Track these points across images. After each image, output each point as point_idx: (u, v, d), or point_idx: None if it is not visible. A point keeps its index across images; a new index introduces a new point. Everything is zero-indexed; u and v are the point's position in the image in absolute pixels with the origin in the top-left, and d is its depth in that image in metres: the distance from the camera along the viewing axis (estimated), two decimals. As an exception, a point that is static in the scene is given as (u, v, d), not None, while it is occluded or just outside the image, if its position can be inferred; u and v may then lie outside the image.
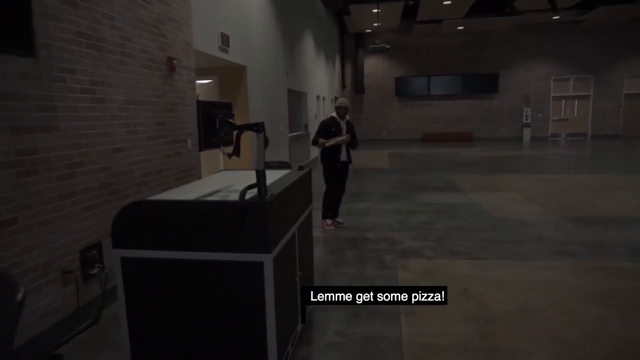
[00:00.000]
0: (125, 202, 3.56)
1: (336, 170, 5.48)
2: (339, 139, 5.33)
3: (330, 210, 5.61)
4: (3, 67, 2.45)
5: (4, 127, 2.46)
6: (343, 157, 5.46)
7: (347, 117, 5.50)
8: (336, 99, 18.42)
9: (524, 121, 19.30)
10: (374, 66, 20.33)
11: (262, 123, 2.19)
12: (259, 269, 2.06)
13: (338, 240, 4.97)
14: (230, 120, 2.40)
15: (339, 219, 5.70)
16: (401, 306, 3.23)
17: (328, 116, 5.63)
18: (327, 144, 5.33)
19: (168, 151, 4.28)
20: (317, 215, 6.25)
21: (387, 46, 17.98)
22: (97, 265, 3.19)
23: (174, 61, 4.35)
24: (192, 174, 4.77)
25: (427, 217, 5.98)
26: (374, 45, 18.25)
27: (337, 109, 5.42)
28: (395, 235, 5.12)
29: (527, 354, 2.60)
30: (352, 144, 5.47)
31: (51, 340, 2.76)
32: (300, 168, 3.15)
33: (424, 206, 6.65)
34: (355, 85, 20.29)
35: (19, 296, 1.01)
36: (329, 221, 5.61)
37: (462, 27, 17.64)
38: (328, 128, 5.39)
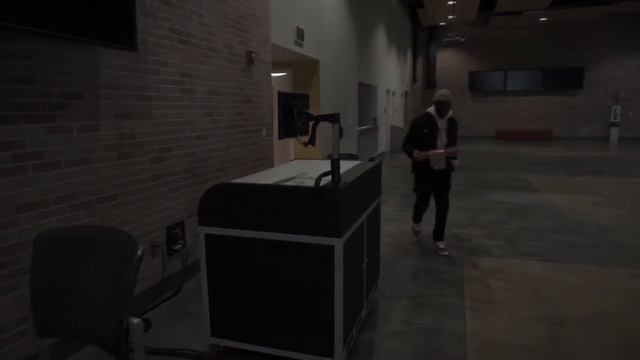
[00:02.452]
0: (206, 187, 3.85)
1: (426, 180, 4.26)
2: (438, 151, 4.03)
3: (417, 218, 4.67)
4: (110, 61, 2.76)
5: (109, 113, 2.78)
6: (438, 164, 4.10)
7: (450, 113, 4.12)
8: (406, 93, 18.24)
9: (612, 120, 17.81)
10: (446, 60, 19.77)
11: (338, 114, 2.30)
12: (329, 252, 2.17)
13: (405, 234, 4.99)
14: (308, 111, 2.53)
15: (441, 244, 4.36)
16: (467, 301, 3.21)
17: (422, 112, 4.30)
18: (420, 157, 4.06)
19: (245, 140, 4.54)
20: (384, 207, 6.29)
21: (462, 39, 17.38)
22: (180, 242, 3.49)
23: (253, 55, 4.58)
24: (265, 162, 5.01)
25: (498, 215, 5.80)
26: (447, 39, 17.73)
27: (438, 104, 4.04)
28: (463, 232, 5.04)
29: (600, 360, 2.49)
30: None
31: (140, 305, 3.08)
32: (371, 159, 3.23)
33: (495, 205, 6.44)
34: (427, 79, 19.86)
35: (139, 252, 1.19)
36: (416, 227, 4.76)
37: (544, 19, 16.61)
38: (419, 129, 4.12)
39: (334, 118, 2.28)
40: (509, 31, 18.59)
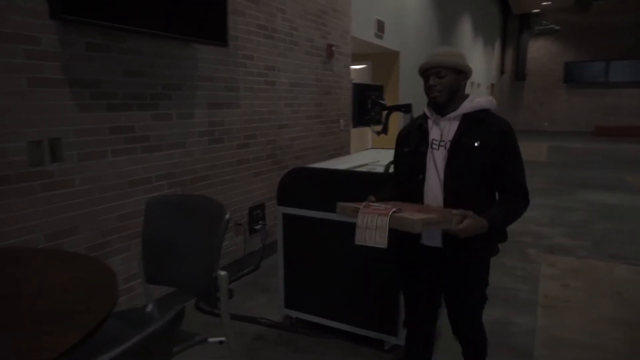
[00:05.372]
0: (285, 172, 4.12)
1: (414, 268, 1.78)
2: (413, 210, 1.49)
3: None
4: (205, 55, 3.09)
5: (203, 103, 3.11)
6: (430, 234, 1.65)
7: (472, 101, 1.64)
8: (492, 85, 17.39)
9: None
10: (539, 50, 18.52)
11: (410, 104, 2.39)
12: (396, 235, 2.28)
13: (479, 229, 4.90)
14: (381, 101, 2.65)
15: None
16: (540, 298, 3.14)
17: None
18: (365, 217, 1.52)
19: (323, 130, 4.75)
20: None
21: (557, 27, 16.17)
22: (260, 222, 3.79)
23: (333, 48, 4.76)
24: (342, 152, 5.19)
25: (586, 215, 5.46)
26: (541, 27, 16.59)
27: (424, 80, 1.67)
28: (544, 230, 4.83)
29: (686, 368, 2.35)
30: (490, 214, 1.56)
31: (224, 277, 3.42)
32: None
33: (584, 204, 6.05)
34: (516, 71, 18.78)
35: (226, 217, 1.42)
36: None
37: (658, 2, 14.92)
38: (398, 149, 1.83)
39: (406, 108, 2.37)
40: (612, 17, 16.94)
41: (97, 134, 2.39)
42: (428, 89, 1.64)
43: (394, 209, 1.44)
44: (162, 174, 2.81)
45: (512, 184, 1.62)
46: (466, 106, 1.63)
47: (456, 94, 1.62)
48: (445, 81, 1.59)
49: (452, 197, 1.57)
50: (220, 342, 1.46)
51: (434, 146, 1.64)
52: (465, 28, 11.95)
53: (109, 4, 2.26)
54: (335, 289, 2.52)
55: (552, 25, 16.12)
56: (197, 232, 1.47)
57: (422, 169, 1.64)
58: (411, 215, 1.40)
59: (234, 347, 1.53)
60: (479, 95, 1.67)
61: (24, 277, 1.22)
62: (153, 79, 2.70)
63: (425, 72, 1.65)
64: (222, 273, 1.42)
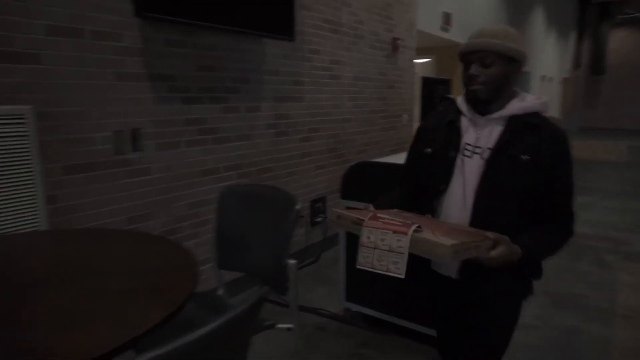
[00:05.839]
0: (347, 167, 4.13)
1: (436, 296, 1.51)
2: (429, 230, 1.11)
3: None
4: (272, 50, 3.16)
5: (269, 96, 3.18)
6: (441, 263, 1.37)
7: (524, 99, 1.31)
8: (566, 80, 16.33)
9: None
10: (621, 41, 17.12)
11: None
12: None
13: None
14: (448, 95, 2.58)
15: None
16: (618, 308, 2.94)
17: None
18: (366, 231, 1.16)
19: (385, 125, 4.70)
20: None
21: (643, 16, 14.88)
22: (321, 215, 3.83)
23: (398, 41, 4.69)
24: (404, 147, 5.11)
25: (672, 221, 5.00)
26: (623, 16, 15.31)
27: (463, 65, 1.32)
28: (622, 236, 4.49)
29: None
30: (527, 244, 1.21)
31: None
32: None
33: (669, 209, 5.55)
34: (593, 64, 17.49)
35: (297, 207, 1.45)
36: None
37: None
38: (418, 145, 1.45)
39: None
40: None
41: (172, 126, 2.52)
42: (467, 79, 1.27)
43: (414, 226, 1.07)
44: (230, 164, 2.92)
45: (558, 210, 1.28)
46: (516, 106, 1.27)
47: (504, 89, 1.27)
48: (491, 72, 1.24)
49: (481, 220, 1.23)
50: (288, 329, 1.51)
51: (466, 153, 1.29)
52: (537, 18, 11.29)
53: (187, 1, 2.37)
54: (395, 285, 2.49)
55: (636, 14, 14.83)
56: (268, 221, 1.52)
57: (447, 179, 1.30)
58: (437, 236, 1.03)
59: (299, 335, 1.57)
60: (530, 94, 1.33)
61: (110, 256, 1.32)
62: (224, 73, 2.80)
63: (466, 56, 1.28)
64: (292, 262, 1.46)
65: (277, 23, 2.98)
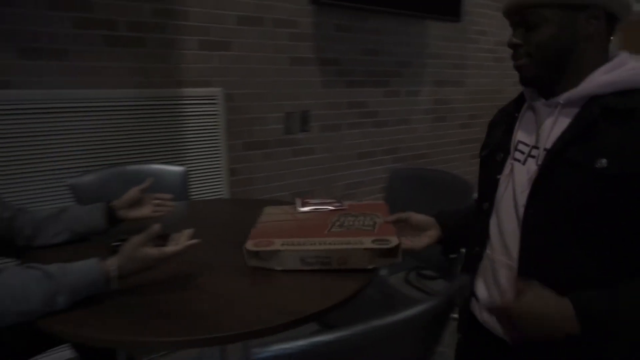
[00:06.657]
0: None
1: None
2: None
3: None
4: (435, 32, 3.05)
5: (429, 80, 3.09)
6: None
7: (621, 67, 0.83)
8: None
9: None
10: None
11: None
12: None
13: None
14: None
15: None
16: None
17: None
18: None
19: (553, 112, 4.23)
20: None
21: None
22: (474, 206, 3.63)
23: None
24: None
25: None
26: None
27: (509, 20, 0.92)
28: None
29: None
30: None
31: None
32: None
33: None
34: None
35: (474, 195, 1.39)
36: None
37: None
38: (485, 148, 1.06)
39: None
40: None
41: (336, 108, 2.62)
42: (512, 52, 0.90)
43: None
44: (387, 148, 2.93)
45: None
46: (598, 81, 0.80)
47: (568, 59, 0.82)
48: (539, 36, 0.83)
49: (529, 261, 0.83)
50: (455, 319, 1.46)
51: (517, 155, 0.90)
52: None
53: (358, -15, 2.41)
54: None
55: None
56: (441, 206, 1.48)
57: (490, 194, 0.93)
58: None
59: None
60: (634, 57, 0.83)
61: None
62: (387, 57, 2.80)
63: (509, 18, 0.90)
64: (462, 250, 1.40)
65: (442, 4, 2.85)
